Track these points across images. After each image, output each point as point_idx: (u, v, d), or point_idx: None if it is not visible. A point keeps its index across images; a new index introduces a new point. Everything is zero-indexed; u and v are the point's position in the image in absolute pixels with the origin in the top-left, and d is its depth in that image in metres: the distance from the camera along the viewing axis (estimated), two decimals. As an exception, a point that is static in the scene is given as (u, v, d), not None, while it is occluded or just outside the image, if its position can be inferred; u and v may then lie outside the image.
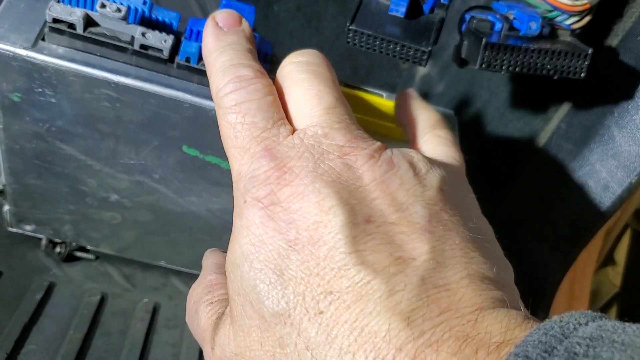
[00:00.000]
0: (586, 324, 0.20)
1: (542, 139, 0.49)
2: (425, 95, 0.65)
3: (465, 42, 0.38)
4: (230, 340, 0.26)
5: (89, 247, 0.50)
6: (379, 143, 0.28)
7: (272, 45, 0.39)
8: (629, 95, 0.41)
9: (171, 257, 0.51)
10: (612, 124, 0.42)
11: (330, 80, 0.30)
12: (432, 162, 0.29)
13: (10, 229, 0.48)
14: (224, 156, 0.40)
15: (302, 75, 0.30)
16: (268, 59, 0.39)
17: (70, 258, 0.51)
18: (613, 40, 0.44)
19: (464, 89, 0.60)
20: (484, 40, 0.35)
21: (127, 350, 0.45)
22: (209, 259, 0.34)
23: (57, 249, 0.50)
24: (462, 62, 0.38)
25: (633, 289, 0.71)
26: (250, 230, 0.25)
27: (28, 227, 0.47)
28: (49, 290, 0.48)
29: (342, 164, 0.26)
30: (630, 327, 0.20)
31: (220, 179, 0.42)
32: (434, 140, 0.33)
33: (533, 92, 0.40)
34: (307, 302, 0.23)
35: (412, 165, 0.27)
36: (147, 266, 0.52)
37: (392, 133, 0.41)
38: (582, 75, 0.37)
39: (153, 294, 0.51)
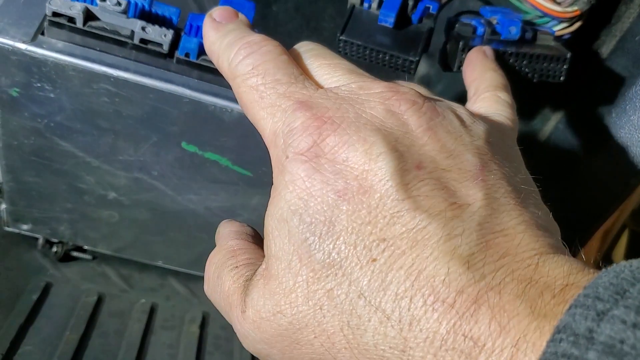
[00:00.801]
0: None
1: (541, 139, 0.49)
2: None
3: (448, 46, 0.39)
4: (266, 300, 0.25)
5: (86, 247, 0.50)
6: (417, 89, 0.27)
7: None
8: (626, 97, 0.42)
9: (169, 256, 0.51)
10: (610, 125, 0.42)
11: (338, 56, 0.30)
12: (477, 116, 0.28)
13: (7, 229, 0.47)
14: (222, 152, 0.40)
15: (313, 55, 0.30)
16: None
17: (67, 258, 0.50)
18: (611, 42, 0.45)
19: (462, 89, 0.60)
20: (461, 43, 0.36)
21: (124, 351, 0.45)
22: (226, 227, 0.33)
23: (54, 249, 0.49)
24: (445, 65, 0.39)
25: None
26: (297, 184, 0.25)
27: (25, 227, 0.47)
28: (46, 291, 0.48)
29: (384, 111, 0.26)
30: None
31: (218, 176, 0.42)
32: (493, 98, 0.33)
33: (531, 93, 0.40)
34: (359, 251, 0.23)
35: (456, 115, 0.27)
36: (145, 266, 0.52)
37: None
38: (562, 78, 0.38)
39: (150, 295, 0.50)
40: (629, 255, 0.72)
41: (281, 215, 0.25)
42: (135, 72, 0.37)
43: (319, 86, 0.28)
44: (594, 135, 0.44)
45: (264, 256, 0.27)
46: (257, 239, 0.31)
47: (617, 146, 0.42)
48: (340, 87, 0.27)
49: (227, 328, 0.50)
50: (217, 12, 0.32)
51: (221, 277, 0.28)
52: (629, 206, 0.63)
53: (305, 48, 0.30)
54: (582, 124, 0.45)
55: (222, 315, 0.51)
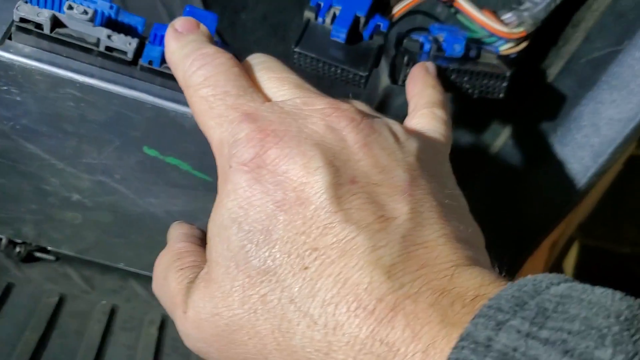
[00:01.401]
0: (558, 284, 0.22)
1: (492, 153, 0.51)
2: (386, 105, 0.67)
3: (396, 60, 0.41)
4: (206, 302, 0.27)
5: (49, 248, 0.51)
6: (358, 106, 0.29)
7: (233, 52, 0.41)
8: (571, 116, 0.44)
9: (130, 259, 0.51)
10: (555, 142, 0.45)
11: (288, 69, 0.31)
12: (412, 132, 0.30)
13: (-30, 229, 0.48)
14: (183, 157, 0.42)
15: (263, 68, 0.31)
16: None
17: (30, 259, 0.51)
18: (559, 63, 0.47)
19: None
20: (405, 58, 0.38)
21: (83, 352, 0.46)
22: (176, 229, 0.34)
23: (17, 249, 0.50)
24: (394, 79, 0.41)
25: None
26: (238, 193, 0.26)
27: (-12, 227, 0.48)
28: (7, 291, 0.48)
29: (325, 126, 0.27)
30: (599, 289, 0.21)
31: (179, 180, 0.43)
32: (430, 115, 0.34)
33: (483, 108, 0.42)
34: (293, 259, 0.25)
35: (392, 132, 0.29)
36: (107, 268, 0.53)
37: None
38: (501, 95, 0.40)
39: (111, 296, 0.51)
40: (579, 266, 0.75)
41: (222, 222, 0.26)
42: (100, 78, 0.37)
43: (266, 99, 0.29)
44: (540, 151, 0.46)
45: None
46: (205, 241, 0.31)
47: (561, 163, 0.44)
48: (286, 101, 0.29)
49: (186, 330, 0.51)
50: (179, 23, 0.33)
51: (167, 278, 0.30)
52: (575, 219, 0.66)
53: (256, 60, 0.32)
54: (530, 140, 0.47)
55: (180, 317, 0.52)
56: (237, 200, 0.26)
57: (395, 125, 0.30)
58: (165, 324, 0.51)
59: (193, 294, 0.28)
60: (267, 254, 0.25)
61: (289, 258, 0.25)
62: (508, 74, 0.40)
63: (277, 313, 0.25)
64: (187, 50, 0.31)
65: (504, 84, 0.40)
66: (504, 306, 0.20)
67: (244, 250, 0.25)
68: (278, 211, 0.25)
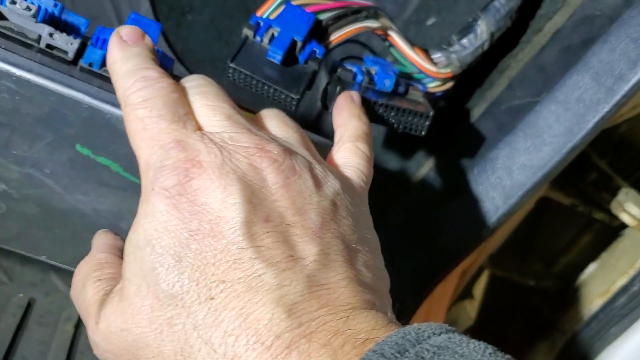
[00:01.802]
0: (439, 334, 0.24)
1: (413, 182, 0.54)
2: (320, 123, 0.69)
3: (329, 87, 0.42)
4: (117, 317, 0.27)
5: (-32, 236, 0.50)
6: (284, 146, 0.30)
7: (173, 62, 0.42)
8: (488, 157, 0.47)
9: (53, 252, 0.51)
10: (472, 180, 0.47)
11: (223, 96, 0.32)
12: (333, 173, 0.32)
13: None
14: (115, 159, 0.42)
15: (199, 93, 0.32)
16: (168, 72, 0.41)
17: (-55, 245, 0.50)
18: (482, 105, 0.50)
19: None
20: (338, 88, 0.40)
21: (-7, 345, 0.45)
22: (101, 238, 0.35)
23: None
24: (325, 105, 0.42)
25: (486, 322, 0.78)
26: (156, 217, 0.27)
27: None
28: None
29: (247, 165, 0.28)
30: (473, 343, 0.23)
31: (109, 180, 0.43)
32: (353, 150, 0.35)
33: (408, 139, 0.44)
34: (200, 288, 0.26)
35: (312, 174, 0.30)
36: (28, 260, 0.52)
37: None
38: (423, 133, 0.43)
39: (30, 289, 0.51)
40: (486, 293, 0.79)
41: (137, 242, 0.27)
42: (39, 74, 0.38)
43: (198, 126, 0.30)
44: (457, 186, 0.49)
45: None
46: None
47: (475, 200, 0.47)
48: (215, 133, 0.30)
49: (102, 329, 0.51)
50: (125, 31, 0.34)
51: (85, 287, 0.31)
52: (486, 250, 0.70)
53: (194, 83, 0.33)
54: (449, 174, 0.50)
55: (98, 317, 0.52)
56: (153, 222, 0.27)
57: (318, 166, 0.31)
58: (82, 321, 0.50)
59: (106, 307, 0.28)
60: (176, 279, 0.26)
61: (197, 286, 0.26)
62: (431, 113, 0.42)
63: (180, 337, 0.26)
64: (130, 66, 0.32)
65: (427, 123, 0.42)
66: (387, 352, 0.22)
67: (155, 272, 0.26)
68: (191, 240, 0.26)
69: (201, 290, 0.26)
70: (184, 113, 0.30)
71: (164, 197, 0.27)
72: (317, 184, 0.30)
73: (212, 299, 0.25)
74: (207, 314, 0.25)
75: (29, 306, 0.49)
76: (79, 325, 0.50)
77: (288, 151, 0.30)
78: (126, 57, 0.33)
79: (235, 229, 0.26)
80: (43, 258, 0.52)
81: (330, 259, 0.27)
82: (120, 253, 0.33)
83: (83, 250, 0.50)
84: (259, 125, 0.34)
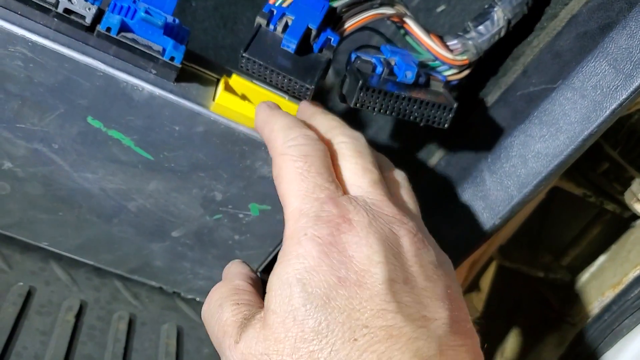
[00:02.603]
0: None
1: (425, 171, 0.52)
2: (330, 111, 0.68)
3: (347, 80, 0.41)
4: (258, 341, 0.30)
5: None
6: (414, 221, 0.34)
7: (189, 32, 0.41)
8: (503, 145, 0.46)
9: (55, 238, 0.50)
10: (485, 168, 0.46)
11: (372, 160, 0.36)
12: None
13: None
14: (127, 132, 0.41)
15: (351, 151, 0.36)
16: (185, 42, 0.41)
17: (-56, 232, 0.49)
18: (496, 92, 0.49)
19: (363, 113, 0.64)
20: (360, 82, 0.39)
21: (-7, 334, 0.44)
22: (236, 267, 0.38)
23: None
24: (343, 98, 0.41)
25: (493, 314, 0.77)
26: (307, 259, 0.30)
27: None
28: None
29: (389, 230, 0.32)
30: None
31: (119, 156, 0.43)
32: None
33: (418, 128, 0.43)
34: (345, 329, 0.29)
35: (434, 249, 0.34)
36: (28, 248, 0.51)
37: None
38: (446, 126, 0.42)
39: (30, 278, 0.50)
40: (494, 285, 0.79)
41: (287, 279, 0.30)
42: (54, 40, 0.37)
43: (343, 185, 0.35)
44: (470, 175, 0.48)
45: (261, 301, 0.34)
46: (258, 284, 0.37)
47: (488, 189, 0.46)
48: (359, 196, 0.34)
49: (104, 319, 0.50)
50: (270, 102, 0.39)
51: (222, 307, 0.34)
52: (496, 242, 0.69)
53: (349, 139, 0.37)
54: (462, 163, 0.49)
55: (99, 306, 0.51)
56: (304, 264, 0.30)
57: (432, 239, 0.36)
58: (83, 311, 0.50)
59: (248, 330, 0.31)
60: (322, 317, 0.29)
61: (342, 327, 0.29)
62: (455, 106, 0.41)
63: None
64: (287, 121, 0.36)
65: (450, 115, 0.41)
66: None
67: (303, 308, 0.29)
68: (339, 285, 0.30)
69: (346, 332, 0.29)
70: (334, 178, 0.34)
71: (317, 244, 0.31)
72: (438, 259, 0.34)
73: (355, 340, 0.29)
74: (349, 353, 0.28)
75: (29, 295, 0.48)
76: (80, 314, 0.49)
77: (417, 226, 0.34)
78: (281, 114, 0.37)
79: (379, 283, 0.30)
80: (44, 245, 0.51)
81: (455, 324, 0.31)
82: (254, 283, 0.36)
83: (87, 236, 0.50)
84: (390, 180, 0.38)
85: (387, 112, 0.40)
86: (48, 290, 0.50)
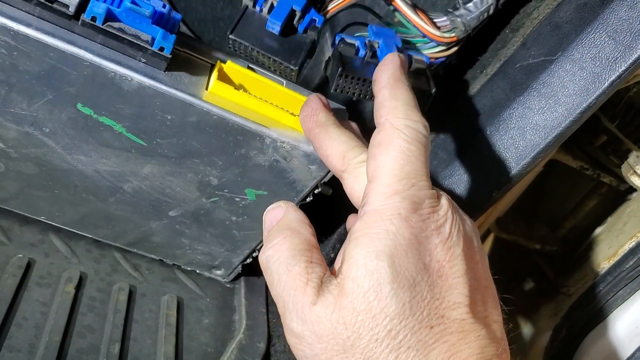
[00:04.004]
0: None
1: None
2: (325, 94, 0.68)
3: (331, 63, 0.41)
4: (335, 309, 0.31)
5: (-36, 195, 0.49)
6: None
7: (180, 19, 0.40)
8: (501, 117, 0.46)
9: (52, 213, 0.50)
10: (484, 140, 0.46)
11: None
12: None
13: None
14: (118, 119, 0.41)
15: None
16: (175, 30, 0.40)
17: (-58, 204, 0.49)
18: (496, 64, 0.49)
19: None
20: (339, 69, 0.39)
21: (-6, 305, 0.45)
22: (297, 214, 0.37)
23: None
24: (327, 79, 0.41)
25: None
26: (398, 239, 0.31)
27: None
28: None
29: (467, 224, 0.34)
30: None
31: (111, 141, 0.42)
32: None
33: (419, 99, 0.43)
34: (424, 315, 0.30)
35: None
36: (27, 220, 0.51)
37: (288, 121, 0.43)
38: (424, 110, 0.41)
39: (29, 250, 0.50)
40: (491, 256, 0.79)
41: (375, 252, 0.31)
42: (38, 28, 0.36)
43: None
44: (468, 147, 0.48)
45: (326, 264, 0.34)
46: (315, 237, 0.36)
47: (486, 161, 0.46)
48: (443, 200, 0.35)
49: (103, 291, 0.50)
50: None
51: (295, 259, 0.33)
52: (494, 214, 0.69)
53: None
54: (460, 135, 0.49)
55: (99, 278, 0.52)
56: (395, 242, 0.31)
57: None
58: (83, 282, 0.50)
59: (325, 294, 0.31)
60: (407, 299, 0.30)
61: (422, 313, 0.30)
62: (433, 91, 0.42)
63: (394, 349, 0.30)
64: (413, 100, 0.35)
65: (429, 101, 0.42)
66: None
67: (389, 285, 0.30)
68: (425, 272, 0.31)
69: (425, 317, 0.30)
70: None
71: (410, 226, 0.31)
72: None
73: (431, 327, 0.30)
74: (425, 338, 0.30)
75: (28, 267, 0.49)
76: (80, 286, 0.49)
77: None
78: (406, 87, 0.36)
79: (458, 276, 0.31)
80: (42, 219, 0.51)
81: (504, 327, 0.33)
82: (315, 236, 0.36)
83: (83, 212, 0.50)
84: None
85: (367, 97, 0.41)
86: (47, 262, 0.50)
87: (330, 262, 0.55)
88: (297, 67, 0.38)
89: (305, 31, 0.39)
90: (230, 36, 0.38)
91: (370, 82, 0.39)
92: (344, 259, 0.32)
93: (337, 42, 0.41)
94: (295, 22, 0.39)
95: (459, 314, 0.31)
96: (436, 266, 0.31)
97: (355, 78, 0.39)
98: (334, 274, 0.33)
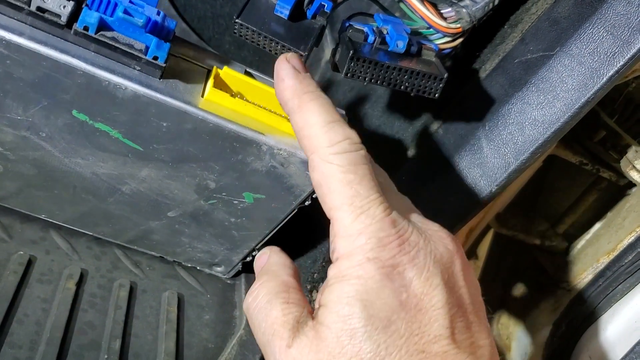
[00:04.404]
0: None
1: (423, 139, 0.53)
2: (329, 82, 0.68)
3: (339, 49, 0.40)
4: (311, 351, 0.31)
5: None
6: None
7: (175, 25, 0.40)
8: (500, 112, 0.46)
9: (53, 211, 0.50)
10: (483, 136, 0.46)
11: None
12: None
13: None
14: (113, 125, 0.41)
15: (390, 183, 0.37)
16: (169, 38, 0.40)
17: (-57, 202, 0.49)
18: (494, 60, 0.49)
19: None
20: (351, 52, 0.38)
21: (-5, 302, 0.45)
22: (278, 258, 0.37)
23: None
24: (335, 67, 0.41)
25: (489, 281, 0.78)
26: (368, 283, 0.30)
27: None
28: None
29: (443, 247, 0.32)
30: None
31: (108, 146, 0.42)
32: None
33: (415, 97, 0.43)
34: (402, 352, 0.29)
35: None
36: (28, 218, 0.51)
37: (285, 127, 0.43)
38: (436, 96, 0.41)
39: (30, 247, 0.50)
40: (491, 252, 0.79)
41: (347, 298, 0.30)
42: (31, 37, 0.36)
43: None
44: (468, 142, 0.48)
45: (307, 301, 0.34)
46: (299, 279, 0.36)
47: (485, 156, 0.46)
48: (408, 214, 0.33)
49: (104, 287, 0.50)
50: (295, 61, 0.35)
51: (271, 303, 0.34)
52: (493, 209, 0.69)
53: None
54: (459, 130, 0.49)
55: (100, 275, 0.52)
56: (365, 286, 0.30)
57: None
58: (84, 279, 0.50)
59: (300, 337, 0.31)
60: (382, 340, 0.29)
61: (400, 351, 0.29)
62: (445, 76, 0.41)
63: None
64: (327, 114, 0.33)
65: (440, 85, 0.41)
66: None
67: (363, 329, 0.29)
68: (400, 309, 0.30)
69: (403, 355, 0.29)
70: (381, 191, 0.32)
71: (379, 267, 0.30)
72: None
73: None
74: None
75: (29, 264, 0.49)
76: (80, 283, 0.50)
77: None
78: (313, 99, 0.33)
79: (438, 308, 0.30)
80: (43, 217, 0.51)
81: (494, 349, 0.32)
82: (296, 276, 0.36)
83: (83, 211, 0.50)
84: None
85: (378, 82, 0.40)
86: (48, 259, 0.50)
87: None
88: (305, 52, 0.38)
89: (314, 16, 0.39)
90: (236, 20, 0.37)
91: (382, 65, 0.39)
92: (320, 305, 0.32)
93: (345, 27, 0.41)
94: (304, 7, 0.39)
95: (440, 347, 0.30)
96: (414, 301, 0.30)
97: (367, 61, 0.39)
98: (311, 313, 0.33)
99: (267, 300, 0.34)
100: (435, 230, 0.33)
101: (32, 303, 0.46)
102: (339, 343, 0.30)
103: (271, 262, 0.37)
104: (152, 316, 0.51)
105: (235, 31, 0.38)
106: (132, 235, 0.53)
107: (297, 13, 0.39)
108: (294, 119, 0.34)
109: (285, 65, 0.34)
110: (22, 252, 0.49)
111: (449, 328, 0.30)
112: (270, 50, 0.38)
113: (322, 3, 0.39)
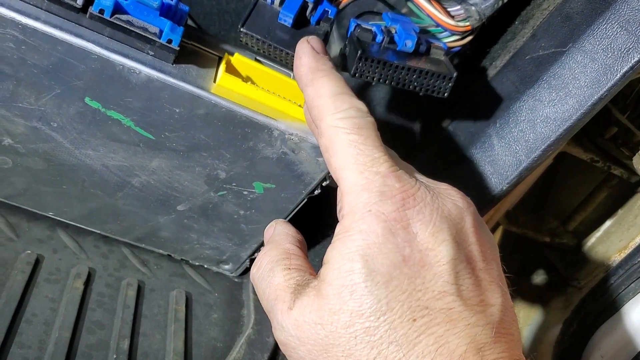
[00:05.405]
0: None
1: (434, 136, 0.52)
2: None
3: (347, 49, 0.40)
4: (312, 310, 0.31)
5: (-28, 191, 0.49)
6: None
7: (188, 11, 0.40)
8: (511, 110, 0.45)
9: (60, 209, 0.50)
10: (494, 133, 0.46)
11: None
12: None
13: None
14: (126, 113, 0.41)
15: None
16: (183, 22, 0.40)
17: (-50, 201, 0.49)
18: (505, 56, 0.48)
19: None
20: (359, 52, 0.38)
21: (3, 302, 0.44)
22: (283, 228, 0.37)
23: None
24: (344, 67, 0.41)
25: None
26: (370, 237, 0.30)
27: None
28: None
29: (452, 203, 0.32)
30: None
31: (119, 135, 0.42)
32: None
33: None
34: (405, 308, 0.29)
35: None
36: (35, 216, 0.51)
37: (296, 113, 0.43)
38: (446, 95, 0.41)
39: (37, 246, 0.50)
40: (500, 249, 0.79)
41: (348, 254, 0.30)
42: (46, 21, 0.36)
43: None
44: (479, 140, 0.47)
45: (310, 266, 0.34)
46: (305, 246, 0.36)
47: (496, 154, 0.46)
48: (415, 174, 0.33)
49: (112, 286, 0.50)
50: (315, 42, 0.36)
51: (273, 271, 0.34)
52: (503, 207, 0.69)
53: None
54: (470, 127, 0.49)
55: (108, 273, 0.52)
56: (368, 241, 0.30)
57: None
58: (92, 278, 0.50)
59: (302, 297, 0.31)
60: (383, 295, 0.29)
61: (402, 306, 0.29)
62: (454, 75, 0.40)
63: (375, 345, 0.29)
64: (337, 87, 0.33)
65: (449, 85, 0.41)
66: None
67: (364, 284, 0.29)
68: (403, 264, 0.29)
69: (405, 311, 0.29)
70: (387, 151, 0.32)
71: (382, 221, 0.30)
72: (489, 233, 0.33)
73: (414, 320, 0.29)
74: (407, 333, 0.28)
75: (37, 263, 0.49)
76: (89, 282, 0.49)
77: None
78: (327, 74, 0.34)
79: (443, 264, 0.29)
80: (51, 214, 0.51)
81: (507, 310, 0.31)
82: (301, 246, 0.36)
83: (91, 207, 0.50)
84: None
85: (387, 81, 0.40)
86: (56, 258, 0.50)
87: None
88: None
89: (317, 23, 0.39)
90: (241, 29, 0.37)
91: (391, 65, 0.39)
92: (323, 263, 0.32)
93: (353, 27, 0.40)
94: (307, 14, 0.39)
95: (444, 303, 0.29)
96: (417, 256, 0.30)
97: (375, 61, 0.38)
98: (314, 276, 0.33)
99: (269, 268, 0.34)
100: (444, 188, 0.33)
101: (41, 303, 0.46)
102: (340, 299, 0.30)
103: (275, 232, 0.37)
104: (161, 315, 0.51)
105: (241, 39, 0.38)
106: (140, 233, 0.52)
107: (301, 20, 0.39)
108: (306, 92, 0.35)
109: (305, 45, 0.35)
110: (29, 251, 0.49)
111: (455, 285, 0.29)
112: (275, 58, 0.38)
113: (326, 9, 0.39)
